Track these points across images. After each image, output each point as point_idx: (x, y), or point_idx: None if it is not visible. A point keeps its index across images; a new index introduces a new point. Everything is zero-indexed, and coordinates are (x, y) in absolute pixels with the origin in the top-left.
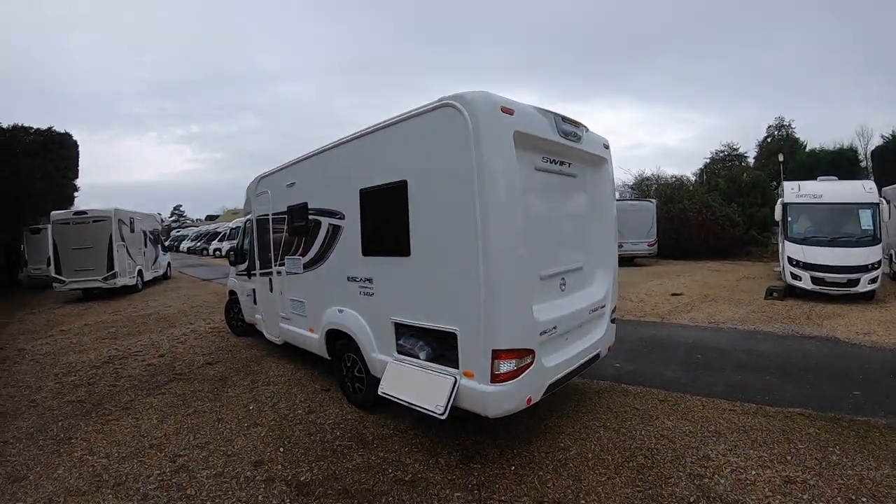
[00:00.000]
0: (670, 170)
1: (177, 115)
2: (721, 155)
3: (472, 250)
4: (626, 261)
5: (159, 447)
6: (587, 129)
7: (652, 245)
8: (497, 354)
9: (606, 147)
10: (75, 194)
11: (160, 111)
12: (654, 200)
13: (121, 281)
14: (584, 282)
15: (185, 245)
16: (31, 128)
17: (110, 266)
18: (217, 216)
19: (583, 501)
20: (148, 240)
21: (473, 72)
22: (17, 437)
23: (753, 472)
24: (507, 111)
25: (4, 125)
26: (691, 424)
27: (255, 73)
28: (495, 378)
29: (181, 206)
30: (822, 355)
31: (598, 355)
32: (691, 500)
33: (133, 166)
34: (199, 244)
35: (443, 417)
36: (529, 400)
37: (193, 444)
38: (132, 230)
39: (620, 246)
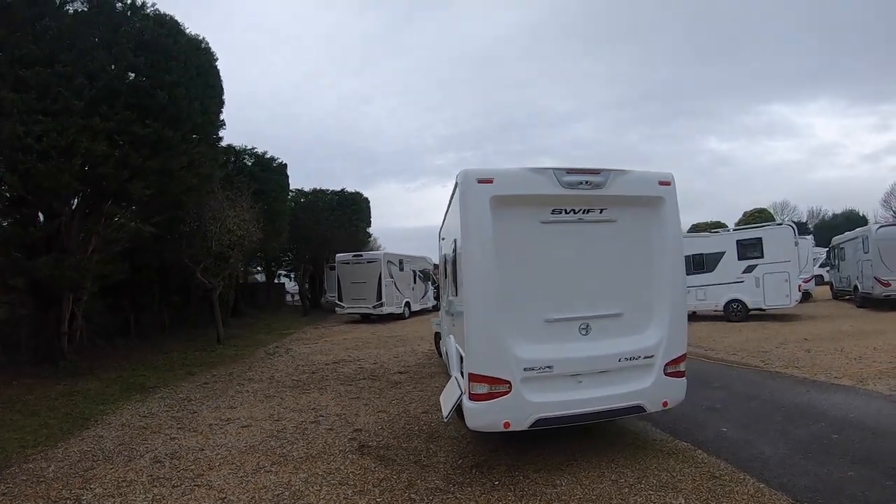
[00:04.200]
0: None
1: (476, 162)
2: None
3: (462, 294)
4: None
5: (315, 410)
6: (621, 172)
7: None
8: (472, 377)
9: (665, 184)
10: (369, 238)
11: (461, 161)
12: None
13: (387, 309)
14: (622, 329)
15: None
16: (328, 190)
17: (378, 297)
18: None
19: None
20: (417, 277)
21: (763, 83)
22: (248, 391)
23: None
24: (485, 181)
25: (307, 189)
26: None
27: (546, 117)
28: (472, 396)
29: None
30: None
31: (638, 407)
32: None
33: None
34: None
35: (445, 420)
36: (507, 424)
37: (336, 413)
38: (401, 269)
39: (888, 285)
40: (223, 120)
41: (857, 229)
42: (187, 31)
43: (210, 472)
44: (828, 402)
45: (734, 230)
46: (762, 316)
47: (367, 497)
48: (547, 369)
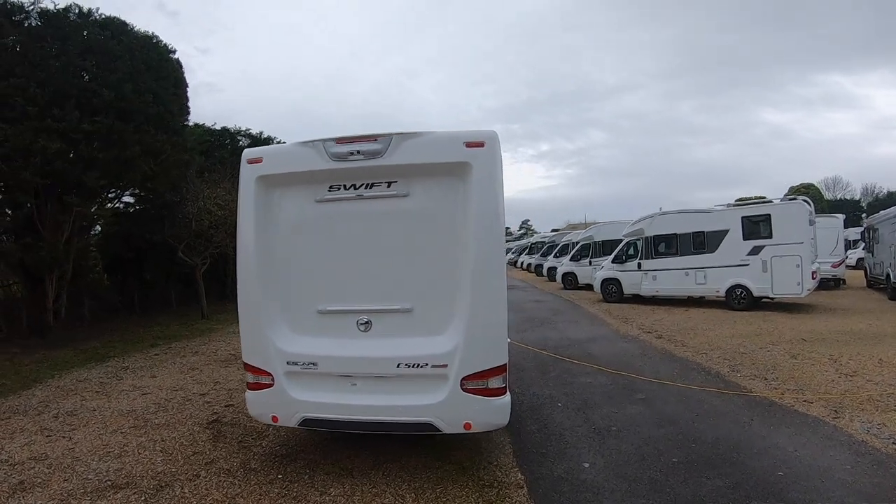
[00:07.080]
0: None
1: (524, 136)
2: None
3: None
4: None
5: (217, 383)
6: (408, 135)
7: None
8: (244, 365)
9: (475, 146)
10: None
11: (508, 133)
12: None
13: None
14: (411, 328)
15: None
16: None
17: None
18: (557, 230)
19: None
20: None
21: (818, 53)
22: (182, 363)
23: None
24: (255, 161)
25: None
26: None
27: (595, 89)
28: (246, 384)
29: (529, 220)
30: None
31: (428, 424)
32: None
33: None
34: (513, 256)
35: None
36: (275, 418)
37: (230, 388)
38: None
39: (887, 277)
40: (187, 107)
41: (894, 207)
42: (135, 29)
43: (81, 428)
44: (765, 442)
45: (740, 205)
46: (772, 305)
47: (170, 465)
48: (311, 366)
